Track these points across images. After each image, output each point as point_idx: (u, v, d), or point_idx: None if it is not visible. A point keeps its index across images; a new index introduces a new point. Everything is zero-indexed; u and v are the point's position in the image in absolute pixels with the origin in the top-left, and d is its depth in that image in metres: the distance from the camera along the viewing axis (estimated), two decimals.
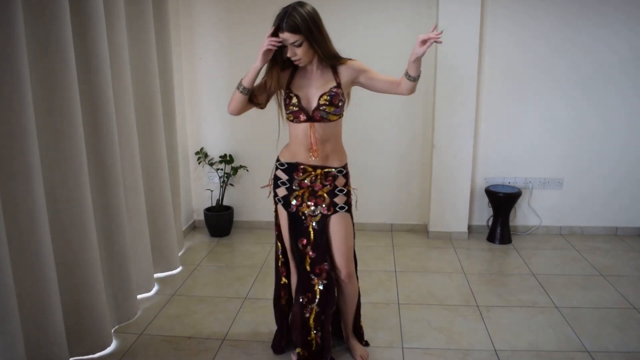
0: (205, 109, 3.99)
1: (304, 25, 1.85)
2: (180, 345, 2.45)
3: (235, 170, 3.94)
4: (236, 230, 4.08)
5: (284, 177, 2.08)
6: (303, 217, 2.06)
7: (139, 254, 2.85)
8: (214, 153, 4.00)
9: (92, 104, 2.34)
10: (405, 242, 3.84)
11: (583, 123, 3.78)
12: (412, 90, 2.06)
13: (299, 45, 1.88)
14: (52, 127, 2.07)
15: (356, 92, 4.00)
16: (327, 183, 2.05)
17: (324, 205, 2.04)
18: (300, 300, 2.11)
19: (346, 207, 2.08)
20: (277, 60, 1.96)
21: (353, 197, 2.17)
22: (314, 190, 2.04)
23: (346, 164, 2.13)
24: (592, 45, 3.64)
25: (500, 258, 3.55)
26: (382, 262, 3.46)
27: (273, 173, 2.13)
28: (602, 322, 2.61)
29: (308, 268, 2.09)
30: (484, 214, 3.99)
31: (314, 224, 2.06)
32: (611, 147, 3.80)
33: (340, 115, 2.02)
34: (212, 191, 4.06)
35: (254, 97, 2.03)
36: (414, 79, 2.04)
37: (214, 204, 4.01)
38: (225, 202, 4.02)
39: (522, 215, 3.98)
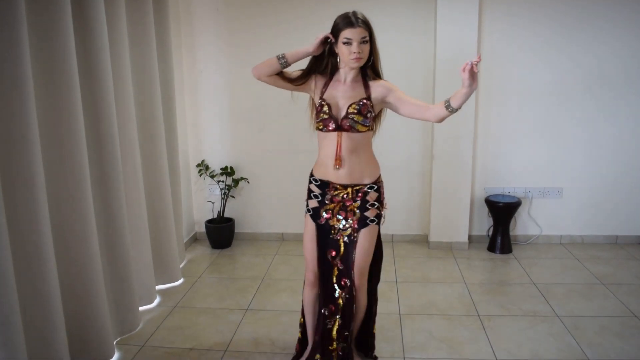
0: (207, 121, 4.02)
1: (370, 25, 1.99)
2: (182, 356, 2.45)
3: (236, 182, 3.96)
4: (237, 242, 4.09)
5: (317, 190, 2.11)
6: (333, 230, 2.09)
7: (141, 266, 2.86)
8: (215, 165, 4.02)
9: (94, 116, 2.36)
10: (406, 252, 3.85)
11: (582, 132, 3.80)
12: (442, 119, 1.98)
13: (366, 42, 1.96)
14: (54, 139, 2.09)
15: None
16: (359, 199, 2.06)
17: (354, 219, 2.06)
18: (323, 311, 2.12)
19: (376, 220, 2.09)
20: (320, 64, 2.06)
21: (385, 212, 2.17)
22: (344, 205, 2.07)
23: (379, 178, 2.12)
24: (592, 53, 3.67)
25: (501, 268, 3.55)
26: (383, 272, 3.42)
27: (308, 187, 2.15)
28: (603, 331, 2.61)
29: (334, 279, 2.12)
30: (484, 224, 4.00)
31: (345, 237, 2.09)
32: (610, 155, 3.82)
33: (369, 127, 2.02)
34: (213, 203, 4.08)
35: (285, 74, 2.07)
36: (453, 111, 1.93)
37: (215, 216, 4.03)
38: (226, 214, 4.04)
39: (522, 225, 3.99)
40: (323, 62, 2.05)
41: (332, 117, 1.99)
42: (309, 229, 2.12)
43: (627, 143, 3.80)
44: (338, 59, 2.03)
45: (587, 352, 2.42)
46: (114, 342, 2.52)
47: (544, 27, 3.65)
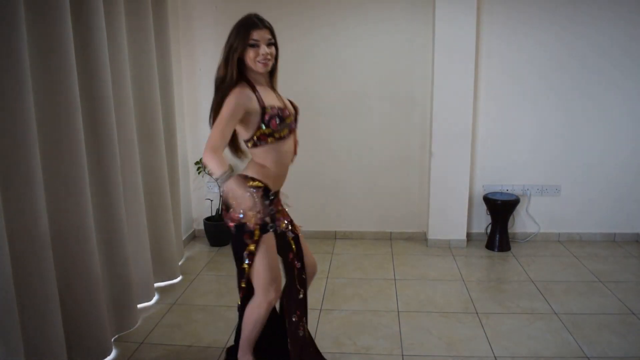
0: (205, 119, 4.00)
1: (273, 28, 1.91)
2: (180, 354, 2.45)
3: None
4: None
5: (270, 206, 1.99)
6: (285, 234, 2.07)
7: (139, 263, 2.85)
8: None
9: (93, 115, 2.36)
10: (404, 250, 3.85)
11: (580, 130, 3.81)
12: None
13: (272, 45, 1.88)
14: (52, 136, 2.09)
15: (356, 100, 4.05)
16: (279, 202, 2.09)
17: (286, 215, 2.11)
18: (293, 319, 2.08)
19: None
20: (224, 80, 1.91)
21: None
22: (278, 209, 2.07)
23: None
24: (589, 52, 3.68)
25: (499, 265, 3.56)
26: (382, 270, 3.47)
27: (262, 203, 1.91)
28: (601, 328, 2.62)
29: (297, 281, 2.09)
30: (483, 222, 4.01)
31: (291, 234, 2.08)
32: (608, 153, 3.83)
33: None
34: (212, 201, 4.07)
35: (237, 141, 2.02)
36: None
37: (213, 214, 4.02)
38: None
39: (521, 223, 4.00)
40: (227, 77, 1.88)
41: (285, 124, 1.91)
42: (271, 244, 1.95)
43: (625, 141, 3.81)
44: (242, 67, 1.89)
45: (585, 349, 2.42)
46: (112, 340, 2.52)
47: (541, 26, 3.66)
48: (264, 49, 1.85)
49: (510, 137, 3.86)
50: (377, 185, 4.02)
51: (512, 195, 3.82)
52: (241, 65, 1.88)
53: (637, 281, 3.22)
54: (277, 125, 1.87)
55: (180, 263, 3.53)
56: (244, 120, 1.87)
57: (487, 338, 2.55)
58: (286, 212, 2.13)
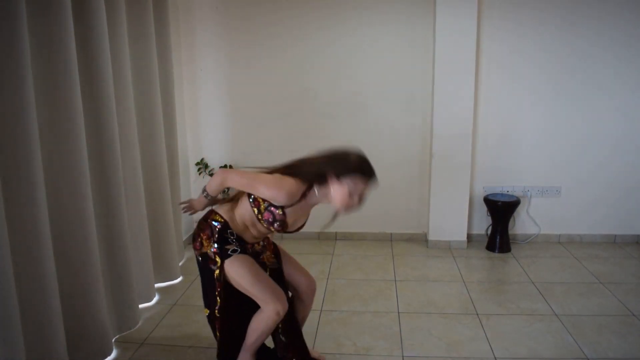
0: (206, 120, 4.02)
1: None
2: (181, 354, 2.45)
3: None
4: None
5: (231, 237, 2.00)
6: (254, 255, 2.07)
7: (140, 264, 2.86)
8: (214, 163, 4.02)
9: (94, 115, 2.37)
10: (404, 251, 3.86)
11: (580, 131, 3.81)
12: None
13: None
14: (54, 136, 2.10)
15: (356, 101, 4.05)
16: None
17: (267, 240, 2.17)
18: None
19: None
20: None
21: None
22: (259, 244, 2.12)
23: None
24: (590, 54, 3.68)
25: (499, 266, 3.56)
26: (382, 271, 3.47)
27: (216, 234, 1.98)
28: (601, 329, 2.62)
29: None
30: (483, 223, 4.01)
31: (273, 259, 2.14)
32: (609, 155, 3.83)
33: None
34: None
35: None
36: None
37: None
38: None
39: (521, 224, 4.00)
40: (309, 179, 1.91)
41: (281, 231, 1.99)
42: (246, 261, 1.97)
43: (626, 142, 3.81)
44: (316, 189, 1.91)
45: (585, 351, 2.42)
46: (113, 340, 2.52)
47: (542, 28, 3.66)
48: (356, 200, 1.87)
49: (510, 139, 3.86)
50: (378, 185, 4.01)
51: (512, 196, 3.82)
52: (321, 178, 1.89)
53: (637, 282, 3.22)
54: (267, 218, 1.92)
55: (180, 264, 3.53)
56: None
57: (487, 339, 2.55)
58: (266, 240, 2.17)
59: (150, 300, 2.98)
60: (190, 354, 2.45)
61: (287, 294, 2.12)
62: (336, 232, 4.13)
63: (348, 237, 4.13)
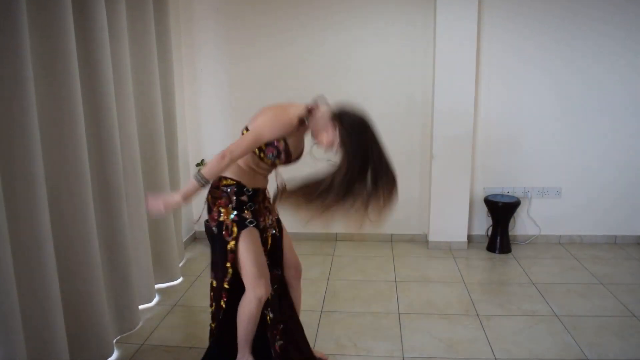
0: (206, 120, 4.02)
1: None
2: (181, 355, 2.45)
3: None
4: None
5: (248, 201, 2.00)
6: (265, 229, 2.10)
7: (140, 265, 2.86)
8: None
9: (94, 116, 2.37)
10: (405, 252, 3.85)
11: (580, 132, 3.81)
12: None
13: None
14: (55, 137, 2.10)
15: (356, 102, 4.03)
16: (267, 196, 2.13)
17: (274, 212, 2.15)
18: (264, 311, 2.13)
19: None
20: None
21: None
22: (265, 206, 2.11)
23: None
24: (590, 54, 3.68)
25: (500, 267, 3.56)
26: (383, 272, 3.47)
27: (233, 200, 1.97)
28: (602, 330, 2.62)
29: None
30: (484, 224, 4.01)
31: (273, 231, 2.14)
32: (609, 155, 3.83)
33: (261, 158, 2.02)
34: None
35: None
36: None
37: None
38: None
39: (522, 225, 4.00)
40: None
41: (288, 162, 2.00)
42: (254, 239, 1.98)
43: (626, 143, 3.81)
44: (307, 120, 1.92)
45: (586, 352, 2.42)
46: (114, 341, 2.52)
47: (542, 29, 3.66)
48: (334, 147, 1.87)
49: (511, 140, 3.86)
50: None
51: (512, 197, 3.82)
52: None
53: (638, 283, 3.22)
54: (269, 153, 1.92)
55: (180, 264, 3.53)
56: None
57: (487, 340, 2.55)
58: (274, 210, 2.15)
59: (150, 301, 2.98)
60: (190, 354, 2.45)
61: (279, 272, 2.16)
62: (337, 233, 4.13)
63: (348, 238, 4.13)
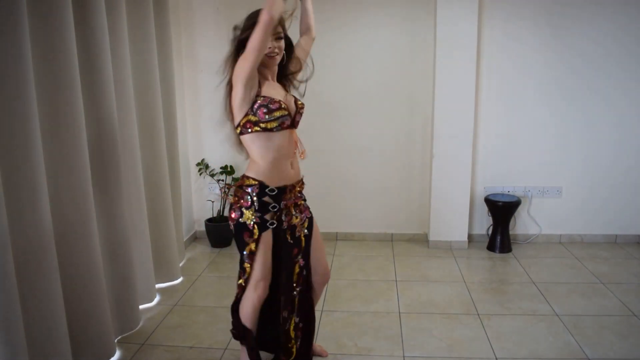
0: (206, 121, 4.02)
1: (283, 21, 1.91)
2: (182, 354, 2.45)
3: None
4: None
5: (272, 201, 1.95)
6: (296, 229, 2.05)
7: (141, 265, 2.86)
8: (215, 164, 4.02)
9: (95, 116, 2.37)
10: (405, 251, 3.85)
11: (581, 131, 3.81)
12: (309, 26, 2.17)
13: (282, 39, 1.91)
14: (55, 138, 2.10)
15: (354, 103, 4.05)
16: (301, 192, 2.10)
17: (305, 210, 2.10)
18: (284, 314, 2.10)
19: (311, 214, 2.15)
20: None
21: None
22: (296, 203, 2.06)
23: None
24: (591, 53, 3.68)
25: (500, 267, 3.56)
26: (383, 271, 3.47)
27: (255, 201, 1.93)
28: (602, 330, 2.62)
29: (295, 278, 2.09)
30: (484, 223, 4.01)
31: (305, 230, 2.08)
32: (610, 154, 3.83)
33: None
34: (213, 202, 4.08)
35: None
36: None
37: (215, 215, 4.03)
38: (226, 213, 4.04)
39: (522, 224, 4.00)
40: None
41: (290, 114, 1.93)
42: (268, 243, 1.97)
43: (627, 142, 3.81)
44: None
45: (586, 351, 2.42)
46: (115, 341, 2.52)
47: (543, 27, 3.66)
48: (271, 43, 1.85)
49: (511, 139, 3.86)
50: (379, 186, 4.02)
51: (513, 196, 3.82)
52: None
53: (638, 282, 3.22)
54: (264, 115, 1.85)
55: (181, 264, 3.53)
56: (244, 98, 1.85)
57: (488, 339, 2.55)
58: (305, 208, 2.11)
59: (151, 301, 2.98)
60: (191, 354, 2.45)
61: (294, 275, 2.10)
62: (337, 233, 4.13)
63: (349, 238, 4.13)
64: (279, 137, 1.91)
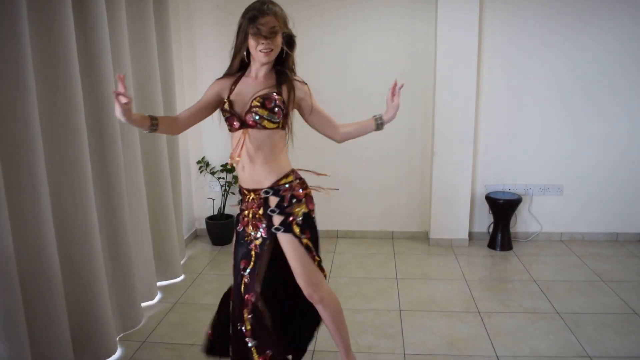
0: (207, 119, 4.00)
1: (283, 15, 1.83)
2: (183, 352, 2.46)
3: (236, 178, 3.95)
4: None
5: (239, 195, 2.00)
6: (248, 240, 1.95)
7: (142, 263, 2.86)
8: (216, 162, 4.02)
9: (95, 114, 2.37)
10: (406, 249, 3.86)
11: (582, 129, 3.81)
12: (347, 139, 2.12)
13: (276, 33, 1.78)
14: (56, 136, 2.10)
15: (354, 100, 4.04)
16: (261, 205, 1.88)
17: (263, 227, 1.90)
18: (239, 327, 1.98)
19: (282, 228, 1.86)
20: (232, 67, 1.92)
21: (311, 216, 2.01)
22: (254, 212, 1.91)
23: (279, 181, 1.88)
24: (591, 53, 3.67)
25: (501, 264, 3.56)
26: (384, 269, 3.48)
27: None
28: (603, 328, 2.62)
29: (243, 292, 1.98)
30: (485, 221, 4.01)
31: (257, 248, 1.93)
32: (611, 152, 3.82)
33: (278, 124, 1.83)
34: (213, 200, 4.08)
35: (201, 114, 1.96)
36: (380, 127, 2.14)
37: (215, 213, 4.03)
38: (226, 211, 4.04)
39: (523, 222, 4.00)
40: (235, 64, 1.91)
41: (234, 114, 1.83)
42: (236, 235, 1.99)
43: (627, 140, 3.80)
44: (246, 54, 1.88)
45: (587, 349, 2.42)
46: (117, 338, 2.53)
47: (543, 27, 3.65)
48: (263, 40, 1.77)
49: (512, 136, 3.85)
50: (379, 184, 4.02)
51: (514, 194, 3.82)
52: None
53: (639, 280, 3.22)
54: (236, 118, 1.87)
55: (182, 262, 3.54)
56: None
57: (489, 337, 2.55)
58: (263, 226, 1.90)
59: (152, 299, 2.99)
60: (192, 351, 2.46)
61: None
62: (338, 230, 4.13)
63: (350, 235, 4.13)
64: (233, 138, 1.93)
